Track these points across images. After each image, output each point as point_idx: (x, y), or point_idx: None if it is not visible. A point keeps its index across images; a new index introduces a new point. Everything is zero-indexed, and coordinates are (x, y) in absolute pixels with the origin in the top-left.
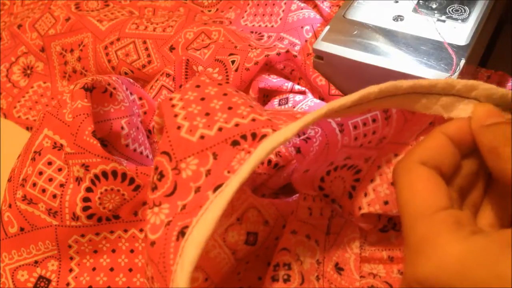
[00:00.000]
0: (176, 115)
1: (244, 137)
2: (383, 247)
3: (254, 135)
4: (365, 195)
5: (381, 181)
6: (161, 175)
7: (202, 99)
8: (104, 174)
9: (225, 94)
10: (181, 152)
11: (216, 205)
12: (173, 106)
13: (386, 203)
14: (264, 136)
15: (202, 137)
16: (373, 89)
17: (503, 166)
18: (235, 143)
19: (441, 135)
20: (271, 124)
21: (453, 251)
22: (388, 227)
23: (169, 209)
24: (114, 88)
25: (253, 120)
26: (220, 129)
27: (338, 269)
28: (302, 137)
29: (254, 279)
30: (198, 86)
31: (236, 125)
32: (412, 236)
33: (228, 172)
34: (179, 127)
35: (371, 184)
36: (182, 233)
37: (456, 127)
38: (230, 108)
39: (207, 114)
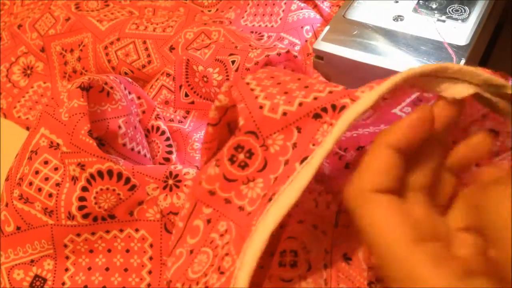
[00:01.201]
0: (256, 97)
1: (324, 109)
2: None
3: (334, 107)
4: None
5: None
6: (250, 153)
7: (278, 83)
8: (100, 173)
9: (299, 79)
10: (267, 129)
11: (303, 175)
12: (252, 90)
13: None
14: (343, 107)
15: (284, 113)
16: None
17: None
18: (316, 116)
19: (385, 150)
20: (348, 93)
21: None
22: None
23: (263, 183)
24: (111, 87)
25: (330, 92)
26: (300, 104)
27: (347, 258)
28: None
29: (256, 267)
30: (272, 77)
31: (315, 98)
32: (390, 268)
33: (313, 145)
34: (261, 107)
35: None
36: (270, 199)
37: (400, 135)
38: (306, 86)
39: (286, 93)
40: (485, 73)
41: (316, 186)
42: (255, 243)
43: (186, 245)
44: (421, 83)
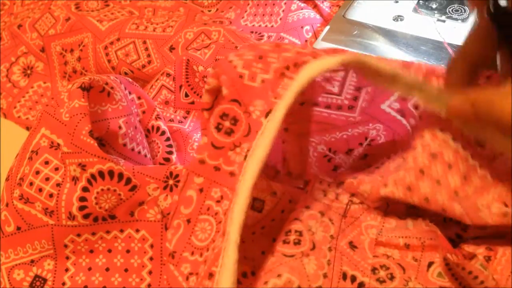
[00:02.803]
0: (235, 67)
1: (287, 67)
2: (400, 235)
3: (296, 64)
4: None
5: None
6: (235, 120)
7: (253, 47)
8: (101, 173)
9: (272, 42)
10: (248, 97)
11: (268, 129)
12: (230, 61)
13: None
14: (304, 63)
15: (262, 81)
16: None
17: None
18: (282, 75)
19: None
20: (313, 54)
21: None
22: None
23: (248, 148)
24: (112, 88)
25: (298, 53)
26: (274, 70)
27: (352, 246)
28: (366, 142)
29: (258, 253)
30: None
31: (284, 59)
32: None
33: (275, 98)
34: (241, 76)
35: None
36: (245, 157)
37: None
38: (277, 46)
39: (260, 57)
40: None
41: (326, 178)
42: (239, 199)
43: (181, 215)
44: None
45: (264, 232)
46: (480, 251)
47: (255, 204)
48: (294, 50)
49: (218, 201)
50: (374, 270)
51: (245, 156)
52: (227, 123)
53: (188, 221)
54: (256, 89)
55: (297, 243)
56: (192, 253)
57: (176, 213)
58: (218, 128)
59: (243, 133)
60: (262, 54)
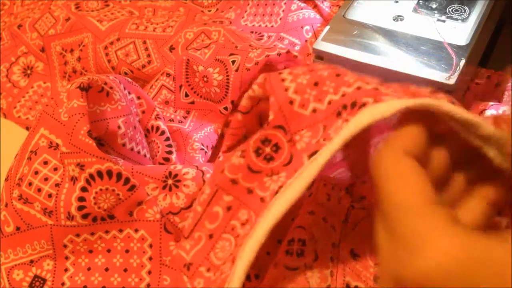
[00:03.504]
0: (286, 89)
1: (345, 106)
2: None
3: (354, 104)
4: None
5: None
6: (277, 147)
7: (311, 70)
8: (99, 173)
9: (333, 68)
10: (295, 125)
11: (307, 171)
12: (282, 80)
13: None
14: (363, 105)
15: (314, 110)
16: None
17: None
18: (338, 114)
19: (416, 124)
20: (374, 94)
21: (451, 249)
22: None
23: (286, 177)
24: (111, 87)
25: (358, 88)
26: (329, 102)
27: (354, 254)
28: None
29: (263, 253)
30: (310, 70)
31: (343, 95)
32: (400, 230)
33: (324, 139)
34: (291, 102)
35: None
36: (276, 192)
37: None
38: (338, 75)
39: (316, 84)
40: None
41: (330, 179)
42: (255, 236)
43: (204, 229)
44: None
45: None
46: None
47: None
48: (356, 84)
49: (243, 224)
50: (376, 279)
51: (279, 187)
52: (268, 149)
53: (211, 236)
54: (306, 117)
55: (300, 254)
56: (208, 270)
57: (198, 225)
58: (257, 152)
59: (283, 162)
60: (318, 80)
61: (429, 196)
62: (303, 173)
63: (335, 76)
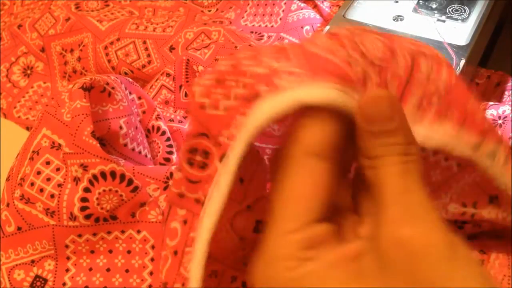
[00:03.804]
0: (193, 94)
1: (246, 99)
2: None
3: (248, 96)
4: None
5: None
6: (206, 153)
7: (212, 70)
8: (103, 174)
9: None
10: (215, 128)
11: (223, 180)
12: (193, 85)
13: None
14: (257, 95)
15: (226, 109)
16: None
17: None
18: (236, 110)
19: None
20: (267, 80)
21: (280, 279)
22: None
23: None
24: (113, 88)
25: (252, 75)
26: (235, 97)
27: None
28: None
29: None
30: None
31: (244, 86)
32: (264, 240)
33: (228, 138)
34: (202, 106)
35: None
36: (202, 203)
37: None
38: (234, 66)
39: (218, 81)
40: None
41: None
42: (196, 254)
43: (168, 247)
44: None
45: None
46: (474, 255)
47: (258, 227)
48: (250, 71)
49: None
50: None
51: (202, 203)
52: (198, 158)
53: (175, 252)
54: (223, 117)
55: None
56: (183, 284)
57: (163, 245)
58: (190, 163)
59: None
60: (219, 77)
61: (305, 218)
62: (219, 182)
63: (232, 68)
